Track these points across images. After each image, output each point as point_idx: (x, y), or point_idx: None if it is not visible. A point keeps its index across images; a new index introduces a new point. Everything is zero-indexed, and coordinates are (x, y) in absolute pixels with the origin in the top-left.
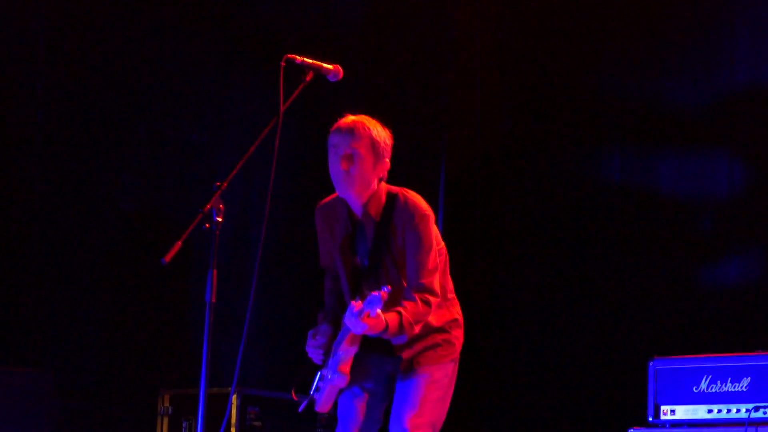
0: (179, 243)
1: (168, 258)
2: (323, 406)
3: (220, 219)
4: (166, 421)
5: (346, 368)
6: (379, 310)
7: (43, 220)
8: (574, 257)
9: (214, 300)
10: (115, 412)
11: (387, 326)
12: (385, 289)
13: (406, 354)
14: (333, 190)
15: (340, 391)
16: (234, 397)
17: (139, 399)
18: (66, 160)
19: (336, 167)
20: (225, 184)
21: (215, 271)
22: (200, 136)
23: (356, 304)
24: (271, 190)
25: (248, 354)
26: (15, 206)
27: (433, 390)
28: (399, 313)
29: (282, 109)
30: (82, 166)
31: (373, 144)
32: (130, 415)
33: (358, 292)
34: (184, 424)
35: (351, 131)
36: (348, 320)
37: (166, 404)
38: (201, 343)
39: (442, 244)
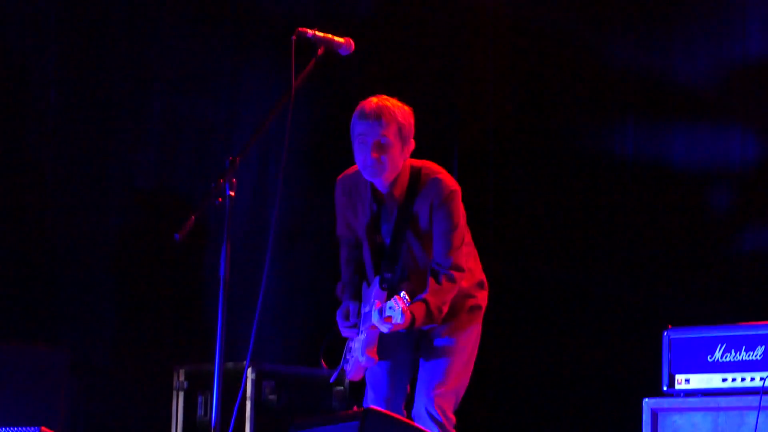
0: (192, 218)
1: (181, 234)
2: (353, 376)
3: (233, 193)
4: (181, 396)
5: (373, 350)
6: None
7: (57, 198)
8: (587, 229)
9: (228, 275)
10: (131, 387)
11: (414, 319)
12: (405, 299)
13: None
14: (347, 165)
15: None
16: (249, 372)
17: (155, 374)
18: (80, 137)
19: (365, 156)
20: (238, 159)
21: (229, 246)
22: (216, 113)
23: (378, 304)
24: (284, 164)
25: (263, 328)
26: (29, 184)
27: (457, 357)
28: (425, 301)
29: (294, 84)
30: (96, 144)
31: (400, 129)
32: (145, 390)
33: (379, 271)
34: (199, 399)
35: (378, 119)
36: (373, 319)
37: (182, 379)
38: (216, 318)
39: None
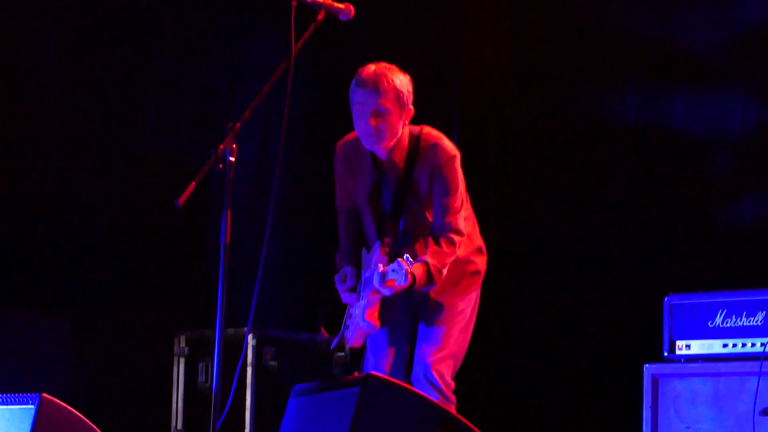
0: (193, 184)
1: (182, 200)
2: (354, 342)
3: (233, 159)
4: (182, 362)
5: (374, 316)
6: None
7: (59, 164)
8: (588, 196)
9: (228, 241)
10: (132, 354)
11: (414, 280)
12: (408, 261)
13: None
14: (348, 130)
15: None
16: (250, 338)
17: (156, 341)
18: (81, 103)
19: (364, 124)
20: (238, 125)
21: (229, 212)
22: (217, 79)
23: (381, 268)
24: (284, 131)
25: (264, 295)
26: (31, 149)
27: (456, 322)
28: (425, 263)
29: (294, 50)
30: (97, 110)
31: (398, 96)
32: (146, 356)
33: (380, 236)
34: (200, 365)
35: (376, 87)
36: (376, 284)
37: (183, 345)
38: (217, 284)
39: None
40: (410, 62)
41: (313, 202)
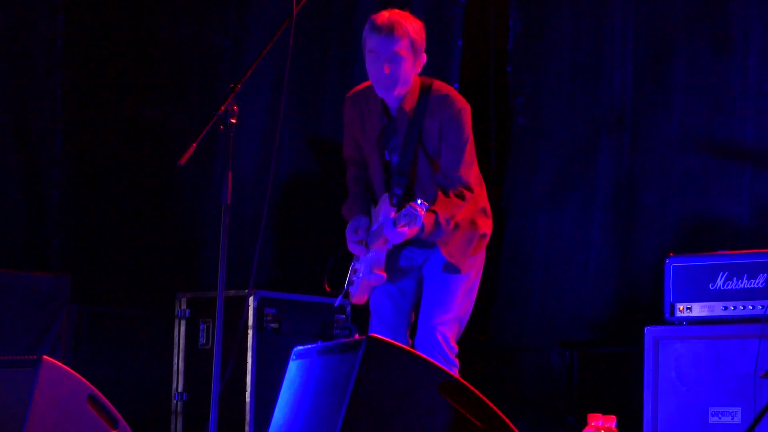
0: (194, 145)
1: (183, 160)
2: (358, 299)
3: (234, 121)
4: (183, 323)
5: (381, 268)
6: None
7: (64, 126)
8: (587, 156)
9: (229, 202)
10: (133, 315)
11: (422, 227)
12: (422, 205)
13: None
14: (351, 87)
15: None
16: (251, 300)
17: (157, 302)
18: (87, 66)
19: (378, 71)
20: (239, 86)
21: (230, 173)
22: (223, 40)
23: (392, 214)
24: (285, 91)
25: (264, 256)
26: (35, 111)
27: (461, 284)
28: (434, 212)
29: (295, 9)
30: (103, 72)
31: (413, 43)
32: (147, 318)
33: (388, 187)
34: (201, 327)
35: (390, 34)
36: (386, 230)
37: (184, 307)
38: (218, 245)
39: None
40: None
41: (315, 162)
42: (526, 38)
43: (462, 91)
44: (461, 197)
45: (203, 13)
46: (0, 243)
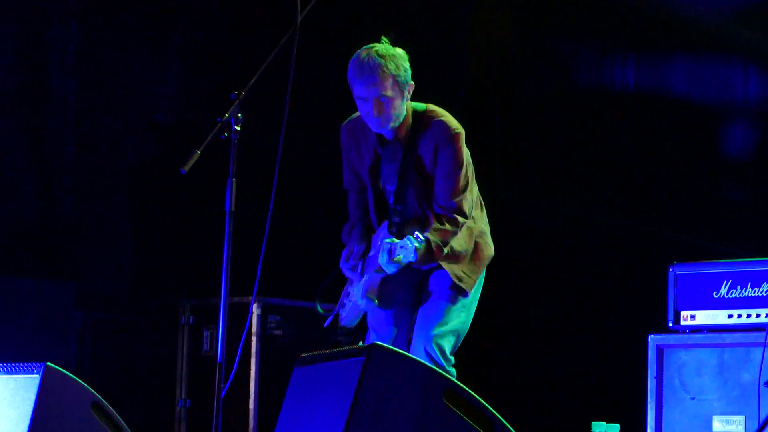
0: (198, 153)
1: (186, 167)
2: (348, 321)
3: (238, 128)
4: (187, 330)
5: (374, 292)
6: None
7: (76, 131)
8: (591, 163)
9: (233, 209)
10: (137, 322)
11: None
12: (419, 239)
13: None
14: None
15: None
16: (255, 307)
17: (161, 309)
18: (100, 72)
19: (367, 114)
20: (243, 94)
21: (234, 180)
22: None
23: (389, 245)
24: (288, 99)
25: (268, 263)
26: (47, 115)
27: (459, 299)
28: (426, 239)
29: (299, 18)
30: (115, 78)
31: (396, 80)
32: (151, 325)
33: (385, 214)
34: (205, 334)
35: (373, 77)
36: (380, 260)
37: (188, 314)
38: (222, 253)
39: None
40: (417, 35)
41: (319, 170)
42: None
43: None
44: (454, 224)
45: (215, 18)
46: (13, 249)
